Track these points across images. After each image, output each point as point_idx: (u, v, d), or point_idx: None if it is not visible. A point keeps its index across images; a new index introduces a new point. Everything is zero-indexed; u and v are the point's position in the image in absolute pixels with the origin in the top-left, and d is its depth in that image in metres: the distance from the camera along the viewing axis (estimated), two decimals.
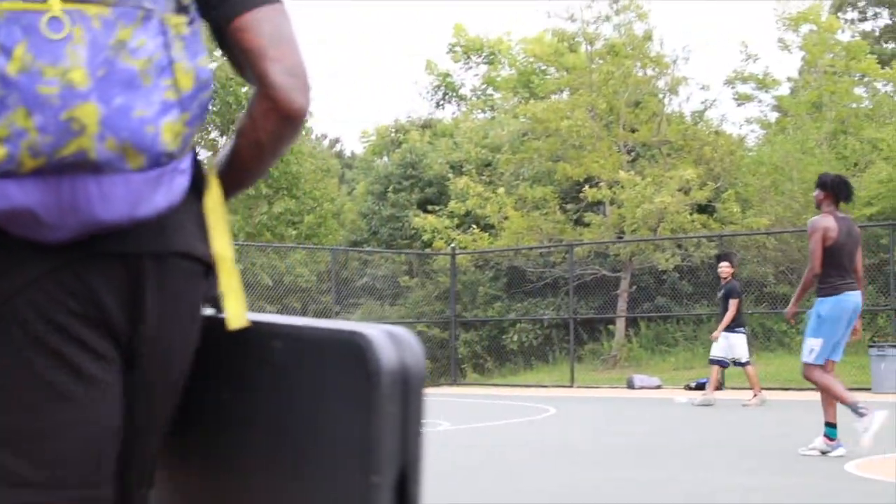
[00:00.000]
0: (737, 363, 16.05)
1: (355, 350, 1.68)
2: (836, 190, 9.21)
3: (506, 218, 27.49)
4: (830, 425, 8.93)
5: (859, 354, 21.36)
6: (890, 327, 20.12)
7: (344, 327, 1.73)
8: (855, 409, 8.61)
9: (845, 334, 9.08)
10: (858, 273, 9.18)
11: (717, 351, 15.99)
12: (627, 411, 15.22)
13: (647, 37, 27.77)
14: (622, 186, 25.67)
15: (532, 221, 26.86)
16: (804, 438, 9.30)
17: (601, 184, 26.30)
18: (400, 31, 75.14)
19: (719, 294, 16.23)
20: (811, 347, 8.93)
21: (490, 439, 11.44)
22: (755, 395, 15.76)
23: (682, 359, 24.53)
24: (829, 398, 8.87)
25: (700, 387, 20.22)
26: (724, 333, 15.68)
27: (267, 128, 1.83)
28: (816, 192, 9.37)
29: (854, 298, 9.00)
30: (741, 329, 15.98)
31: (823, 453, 8.84)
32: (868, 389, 18.60)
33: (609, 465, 8.61)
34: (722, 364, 16.14)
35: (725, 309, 15.73)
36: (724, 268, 15.92)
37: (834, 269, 8.94)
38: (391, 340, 1.69)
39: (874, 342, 19.49)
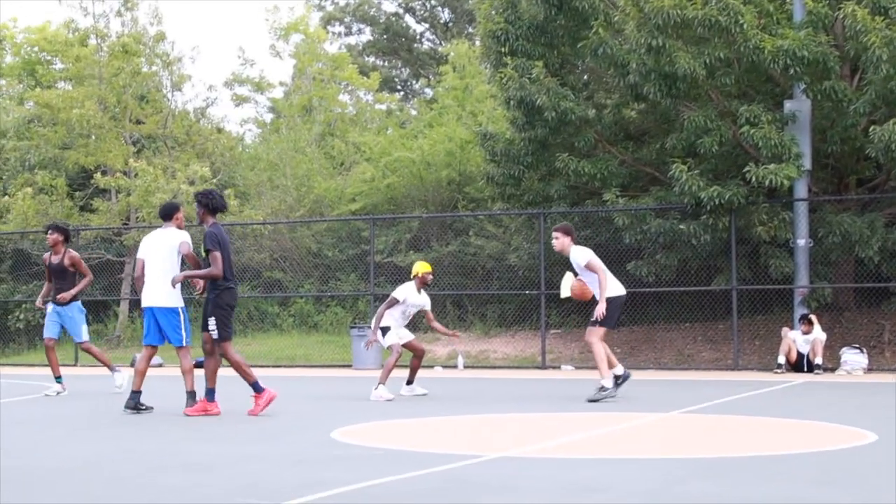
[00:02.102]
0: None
1: None
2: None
3: (6, 195, 26.33)
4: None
5: (341, 335, 22.58)
6: (369, 311, 21.39)
7: None
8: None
9: None
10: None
11: None
12: (129, 388, 15.06)
13: (160, 38, 27.55)
14: (136, 175, 25.36)
15: (39, 206, 25.87)
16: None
17: (116, 173, 25.84)
18: None
19: None
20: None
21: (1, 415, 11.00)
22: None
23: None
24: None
25: (199, 365, 20.46)
26: None
27: None
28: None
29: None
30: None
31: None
32: (349, 366, 19.71)
33: (112, 438, 8.62)
34: None
35: None
36: None
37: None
38: None
39: (355, 324, 20.62)
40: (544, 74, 18.75)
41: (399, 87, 45.99)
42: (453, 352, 20.43)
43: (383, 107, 38.17)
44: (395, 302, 12.36)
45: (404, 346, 12.42)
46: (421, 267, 12.56)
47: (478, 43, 27.92)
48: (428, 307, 12.68)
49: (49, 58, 34.11)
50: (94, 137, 26.59)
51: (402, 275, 23.60)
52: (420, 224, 24.00)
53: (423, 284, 12.49)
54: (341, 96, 36.69)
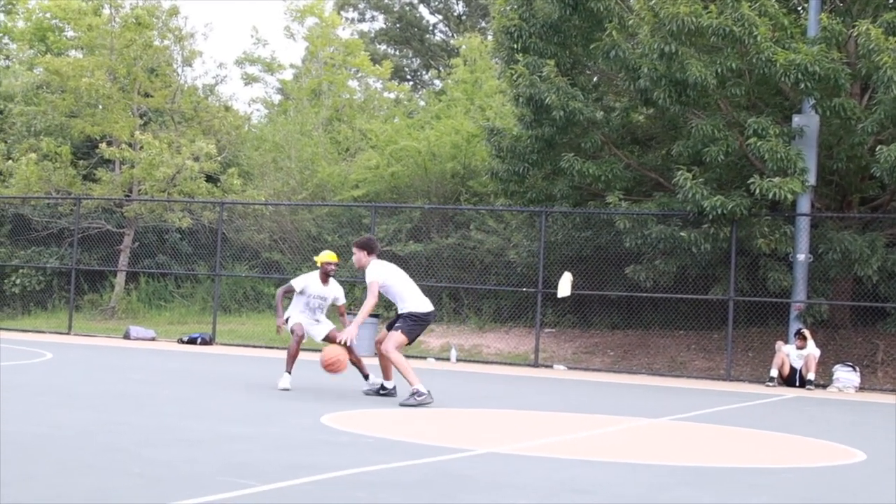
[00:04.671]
0: None
1: None
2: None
3: (10, 160, 26.31)
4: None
5: (336, 319, 22.50)
6: (365, 297, 21.32)
7: None
8: None
9: None
10: None
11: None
12: (123, 360, 15.14)
13: (173, 12, 27.49)
14: (142, 147, 25.35)
15: (42, 172, 25.82)
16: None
17: (121, 144, 25.83)
18: None
19: None
20: None
21: None
22: None
23: (177, 314, 24.66)
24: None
25: (192, 341, 20.50)
26: None
27: None
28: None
29: None
30: None
31: None
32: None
33: (103, 409, 8.62)
34: None
35: None
36: None
37: None
38: None
39: (350, 310, 20.54)
40: (555, 73, 18.70)
41: (409, 77, 45.94)
42: (446, 344, 20.42)
43: (392, 95, 38.13)
44: (291, 290, 11.69)
45: (325, 338, 11.66)
46: (324, 256, 11.79)
47: (490, 37, 27.90)
48: (339, 301, 11.84)
49: (61, 25, 34.04)
50: (101, 107, 26.58)
51: (401, 263, 23.54)
52: (421, 214, 23.98)
53: (325, 275, 11.68)
54: (351, 82, 36.65)
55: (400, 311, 10.76)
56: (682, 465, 7.14)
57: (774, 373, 16.78)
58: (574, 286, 18.82)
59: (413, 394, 10.33)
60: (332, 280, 11.81)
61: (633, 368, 18.86)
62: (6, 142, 27.78)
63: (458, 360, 19.32)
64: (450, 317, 22.47)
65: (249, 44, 62.92)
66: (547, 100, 18.54)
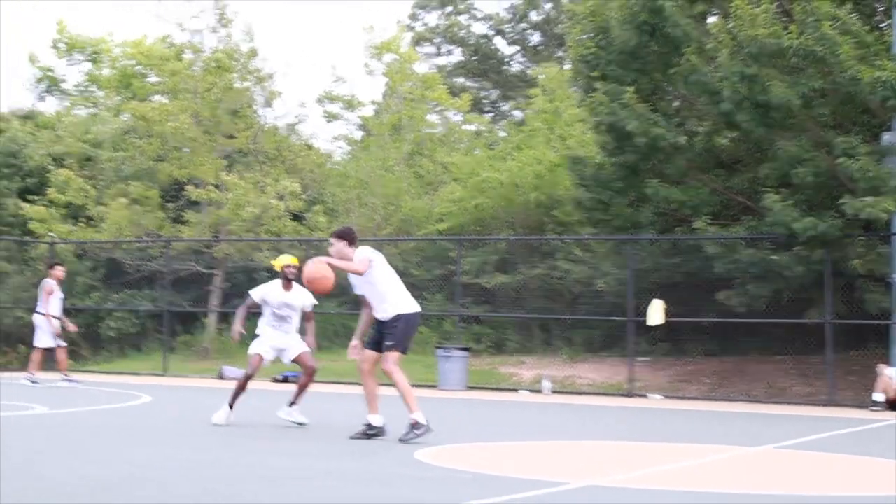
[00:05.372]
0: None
1: None
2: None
3: (102, 204, 26.87)
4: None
5: (427, 355, 22.56)
6: (455, 331, 21.38)
7: None
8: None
9: None
10: None
11: None
12: (219, 401, 15.28)
13: (252, 55, 27.92)
14: (228, 188, 25.74)
15: (132, 216, 26.36)
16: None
17: (207, 186, 26.21)
18: None
19: None
20: None
21: (89, 422, 11.19)
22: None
23: None
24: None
25: (286, 380, 20.65)
26: None
27: None
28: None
29: None
30: None
31: None
32: (435, 387, 19.68)
33: (201, 449, 8.69)
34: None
35: None
36: None
37: None
38: None
39: (440, 344, 20.58)
40: (635, 100, 18.60)
41: (488, 109, 46.04)
42: (538, 376, 20.30)
43: (472, 127, 38.22)
44: (253, 303, 11.00)
45: (294, 360, 10.97)
46: (283, 259, 11.11)
47: (568, 66, 27.86)
48: (308, 307, 11.10)
49: (144, 71, 34.77)
50: (187, 150, 27.07)
51: (489, 296, 23.61)
52: (507, 246, 23.96)
53: (286, 280, 10.96)
54: (430, 116, 36.83)
55: (381, 318, 9.54)
56: (792, 494, 6.99)
57: (879, 397, 16.32)
58: (666, 313, 18.60)
59: (413, 426, 9.33)
60: (295, 285, 10.93)
61: (730, 395, 18.57)
62: (96, 187, 28.36)
63: (552, 391, 19.19)
64: (541, 348, 22.36)
65: (329, 82, 63.67)
66: (628, 126, 18.43)
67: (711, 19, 19.81)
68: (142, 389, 17.38)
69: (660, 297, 18.87)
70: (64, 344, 17.91)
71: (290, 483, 6.77)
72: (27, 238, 27.38)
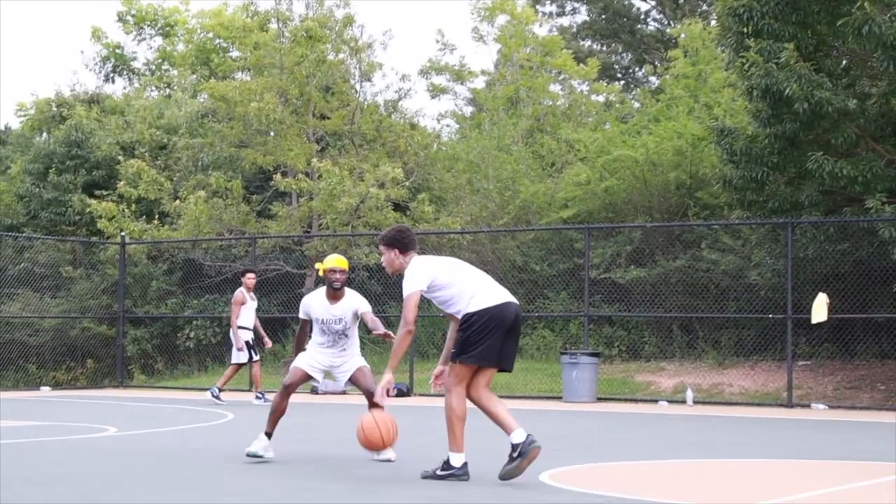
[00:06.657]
0: None
1: None
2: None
3: (178, 198, 27.26)
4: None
5: (550, 362, 22.54)
6: (582, 334, 21.31)
7: None
8: None
9: None
10: None
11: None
12: (311, 418, 15.51)
13: (348, 21, 28.01)
14: (320, 176, 25.75)
15: (213, 211, 26.51)
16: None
17: (297, 174, 26.31)
18: None
19: None
20: None
21: (163, 445, 11.44)
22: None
23: (369, 363, 25.02)
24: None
25: (400, 393, 20.79)
26: None
27: None
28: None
29: None
30: None
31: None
32: (560, 398, 19.64)
33: (291, 475, 8.81)
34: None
35: None
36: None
37: None
38: None
39: (566, 350, 20.51)
40: (795, 58, 18.32)
41: (619, 76, 45.84)
42: (681, 384, 20.15)
43: (601, 98, 38.10)
44: (302, 321, 10.24)
45: (350, 381, 10.16)
46: (328, 262, 10.13)
47: (714, 23, 27.53)
48: (362, 310, 10.06)
49: (225, 45, 35.45)
50: (273, 134, 27.34)
51: (621, 293, 23.50)
52: (643, 234, 23.79)
53: (332, 289, 9.99)
54: (552, 86, 36.82)
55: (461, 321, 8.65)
56: None
57: None
58: (830, 309, 18.30)
59: (444, 463, 8.56)
60: (345, 293, 10.01)
61: None
62: (172, 179, 28.85)
63: (696, 402, 19.03)
64: (683, 352, 22.16)
65: (435, 50, 64.10)
66: (787, 90, 18.18)
67: None
68: (225, 406, 17.72)
69: (825, 291, 18.57)
70: (257, 358, 19.21)
71: None
72: (94, 239, 28.04)
